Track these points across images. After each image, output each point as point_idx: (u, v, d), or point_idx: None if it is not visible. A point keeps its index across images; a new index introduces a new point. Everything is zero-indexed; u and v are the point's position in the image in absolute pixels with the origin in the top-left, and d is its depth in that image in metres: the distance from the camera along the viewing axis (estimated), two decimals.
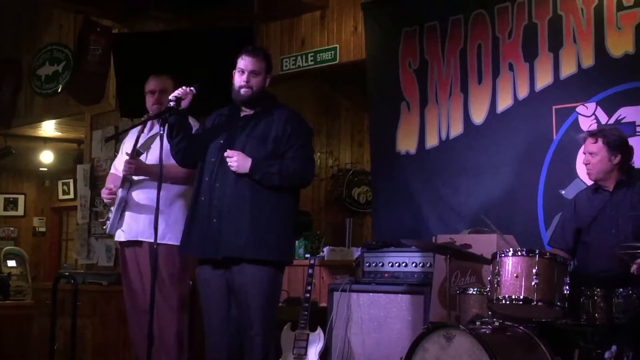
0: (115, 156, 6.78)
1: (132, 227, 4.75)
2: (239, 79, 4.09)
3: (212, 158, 4.12)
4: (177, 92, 4.04)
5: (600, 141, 4.21)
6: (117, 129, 7.04)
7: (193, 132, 4.29)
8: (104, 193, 4.88)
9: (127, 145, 4.96)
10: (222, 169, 4.04)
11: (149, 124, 4.84)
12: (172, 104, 4.01)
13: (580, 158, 4.59)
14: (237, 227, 3.97)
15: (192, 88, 4.07)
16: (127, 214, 4.77)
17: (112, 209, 4.83)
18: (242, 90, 4.08)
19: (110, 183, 4.94)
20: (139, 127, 4.83)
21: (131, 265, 4.82)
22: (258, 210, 3.98)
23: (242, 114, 4.18)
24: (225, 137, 4.13)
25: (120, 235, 4.82)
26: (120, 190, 4.76)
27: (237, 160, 3.97)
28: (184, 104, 4.05)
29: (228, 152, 4.00)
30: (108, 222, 4.87)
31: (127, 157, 4.67)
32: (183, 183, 4.62)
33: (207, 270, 4.13)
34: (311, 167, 4.18)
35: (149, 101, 4.87)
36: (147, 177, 4.71)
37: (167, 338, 4.66)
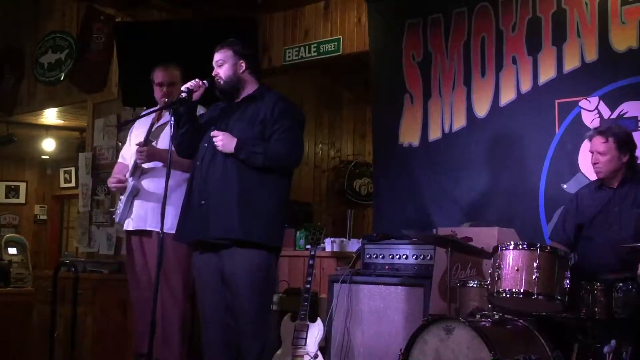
0: (117, 145, 6.83)
1: (140, 216, 4.77)
2: None
3: (205, 143, 4.18)
4: (190, 84, 4.08)
5: (610, 140, 4.18)
6: (119, 117, 7.04)
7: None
8: (111, 181, 4.89)
9: (134, 134, 4.97)
10: (212, 152, 4.09)
11: (155, 114, 4.84)
12: (184, 95, 4.06)
13: (583, 152, 4.60)
14: (224, 209, 4.00)
15: (205, 81, 4.12)
16: (136, 202, 4.79)
17: (122, 197, 4.85)
18: (216, 83, 4.16)
19: (117, 173, 4.96)
20: (149, 117, 4.84)
21: (137, 254, 4.83)
22: (245, 192, 4.00)
23: (235, 102, 4.23)
24: (217, 125, 4.19)
25: (129, 224, 4.84)
26: (130, 178, 4.78)
27: (222, 140, 4.02)
28: (196, 96, 4.11)
29: (213, 132, 4.06)
30: (118, 210, 4.88)
31: (138, 146, 4.69)
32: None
33: (200, 257, 4.17)
34: (297, 149, 4.16)
35: (158, 93, 4.88)
36: (157, 166, 4.73)
37: (170, 327, 4.68)
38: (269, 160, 4.01)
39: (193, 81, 4.10)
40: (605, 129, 4.27)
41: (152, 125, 4.78)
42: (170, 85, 4.83)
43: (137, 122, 4.99)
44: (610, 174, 4.24)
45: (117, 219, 4.93)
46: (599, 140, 4.23)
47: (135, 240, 4.85)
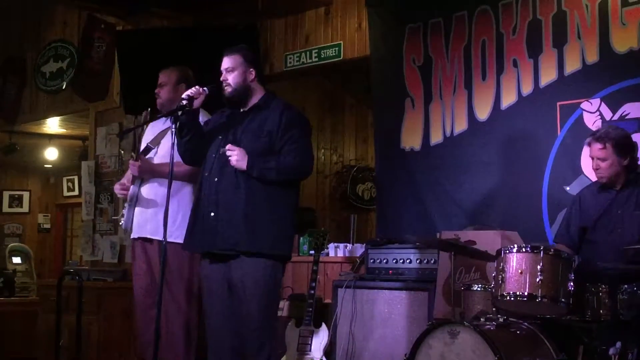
0: (120, 153, 6.85)
1: (140, 224, 4.78)
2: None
3: (212, 154, 4.16)
4: (190, 92, 4.06)
5: (609, 146, 4.15)
6: (121, 125, 7.05)
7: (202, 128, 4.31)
8: (116, 188, 4.92)
9: (144, 139, 5.00)
10: (220, 163, 4.08)
11: (163, 119, 4.85)
12: (184, 102, 4.03)
13: (585, 154, 4.58)
14: (232, 220, 4.00)
15: (205, 88, 4.09)
16: (137, 209, 4.80)
17: (126, 204, 4.87)
18: (224, 89, 4.12)
19: (125, 178, 4.98)
20: (158, 121, 4.85)
21: (140, 260, 4.84)
22: (253, 203, 4.00)
23: (241, 110, 4.20)
24: (223, 134, 4.17)
25: (132, 231, 4.86)
26: (132, 186, 4.79)
27: (237, 156, 3.98)
28: (196, 103, 4.08)
29: (229, 146, 4.02)
30: (123, 218, 4.90)
31: (132, 158, 4.72)
32: (188, 180, 4.63)
33: (208, 265, 4.17)
34: (308, 159, 4.14)
35: None
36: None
37: (174, 334, 4.68)
38: (283, 174, 4.00)
39: (193, 88, 4.07)
40: (602, 135, 4.22)
41: (139, 136, 4.78)
42: (160, 86, 4.83)
43: (150, 126, 5.00)
44: (612, 178, 4.22)
45: (122, 226, 4.96)
46: (597, 147, 4.19)
47: (138, 247, 4.87)
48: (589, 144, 4.26)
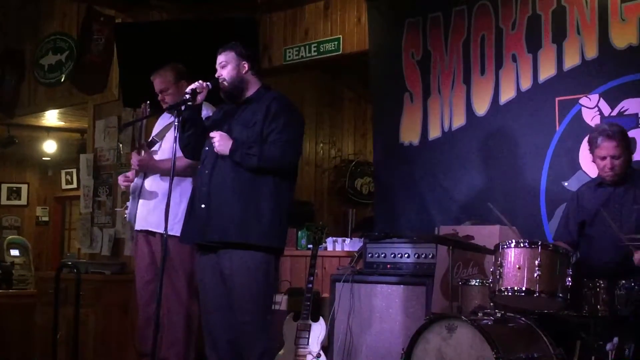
0: (118, 146, 6.85)
1: (143, 216, 4.82)
2: None
3: (206, 147, 4.21)
4: (194, 85, 4.10)
5: (621, 143, 4.09)
6: (119, 118, 7.04)
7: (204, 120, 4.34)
8: (120, 179, 4.97)
9: (153, 132, 5.03)
10: (212, 155, 4.12)
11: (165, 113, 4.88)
12: (187, 96, 4.07)
13: (584, 150, 4.58)
14: (220, 211, 4.03)
15: (208, 83, 4.13)
16: (140, 202, 4.83)
17: (131, 197, 4.90)
18: (221, 84, 4.18)
19: (131, 171, 5.00)
20: (166, 116, 4.85)
21: (143, 252, 4.86)
22: (243, 195, 4.02)
23: (237, 104, 4.25)
24: (218, 128, 4.20)
25: (136, 223, 4.89)
26: (136, 178, 4.83)
27: (219, 140, 4.04)
28: (200, 97, 4.13)
29: (212, 133, 4.08)
30: (127, 210, 4.93)
31: (135, 151, 4.75)
32: (190, 174, 4.63)
33: (202, 258, 4.21)
34: (290, 151, 4.11)
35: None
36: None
37: (174, 327, 4.69)
38: (264, 162, 4.01)
39: (197, 82, 4.11)
40: (612, 133, 4.12)
41: (140, 130, 4.81)
42: (163, 92, 4.86)
43: (160, 118, 5.03)
44: (623, 175, 4.16)
45: (127, 218, 4.99)
46: (611, 145, 4.09)
47: (141, 239, 4.89)
48: (599, 144, 4.14)
